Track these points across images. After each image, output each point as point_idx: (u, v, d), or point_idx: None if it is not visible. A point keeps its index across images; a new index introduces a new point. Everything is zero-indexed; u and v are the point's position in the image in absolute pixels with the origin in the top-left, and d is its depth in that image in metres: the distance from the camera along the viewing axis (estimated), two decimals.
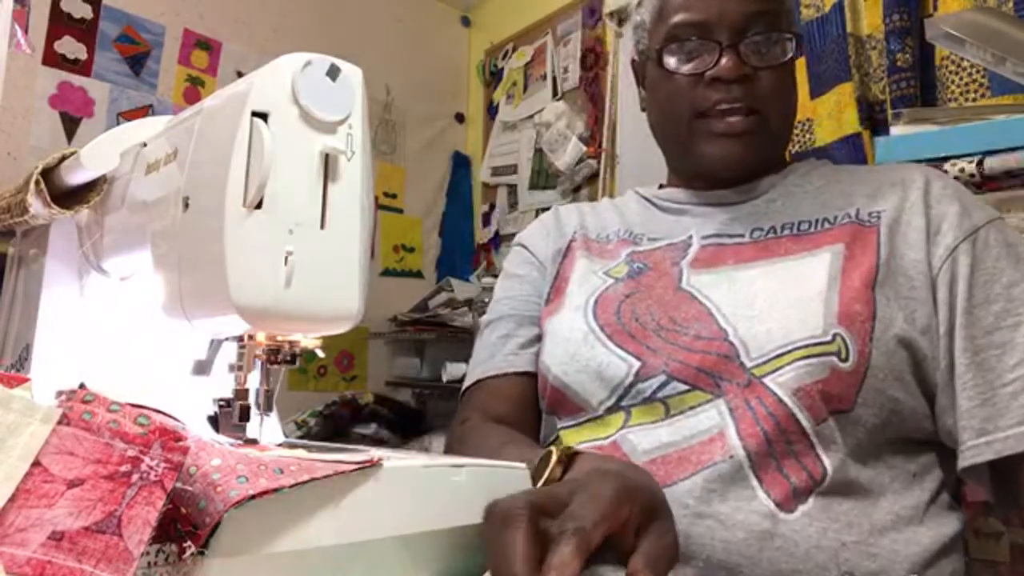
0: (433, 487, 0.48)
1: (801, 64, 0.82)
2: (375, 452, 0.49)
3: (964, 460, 0.66)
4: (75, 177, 0.68)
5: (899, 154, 1.06)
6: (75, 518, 0.36)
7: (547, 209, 1.05)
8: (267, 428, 0.57)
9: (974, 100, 1.33)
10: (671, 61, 0.79)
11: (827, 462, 0.64)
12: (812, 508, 0.62)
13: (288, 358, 0.54)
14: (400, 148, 2.83)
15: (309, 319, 0.52)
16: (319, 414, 2.14)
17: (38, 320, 0.68)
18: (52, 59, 2.08)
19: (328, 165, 0.51)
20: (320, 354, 0.56)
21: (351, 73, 0.52)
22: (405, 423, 2.36)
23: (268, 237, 0.49)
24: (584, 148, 2.36)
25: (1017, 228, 0.87)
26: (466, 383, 0.88)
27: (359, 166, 0.53)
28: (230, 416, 0.54)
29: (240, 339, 0.54)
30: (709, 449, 0.65)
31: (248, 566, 0.39)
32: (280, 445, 0.56)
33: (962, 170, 1.00)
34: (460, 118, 3.03)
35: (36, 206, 0.67)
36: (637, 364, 0.71)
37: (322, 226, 0.51)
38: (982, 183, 0.98)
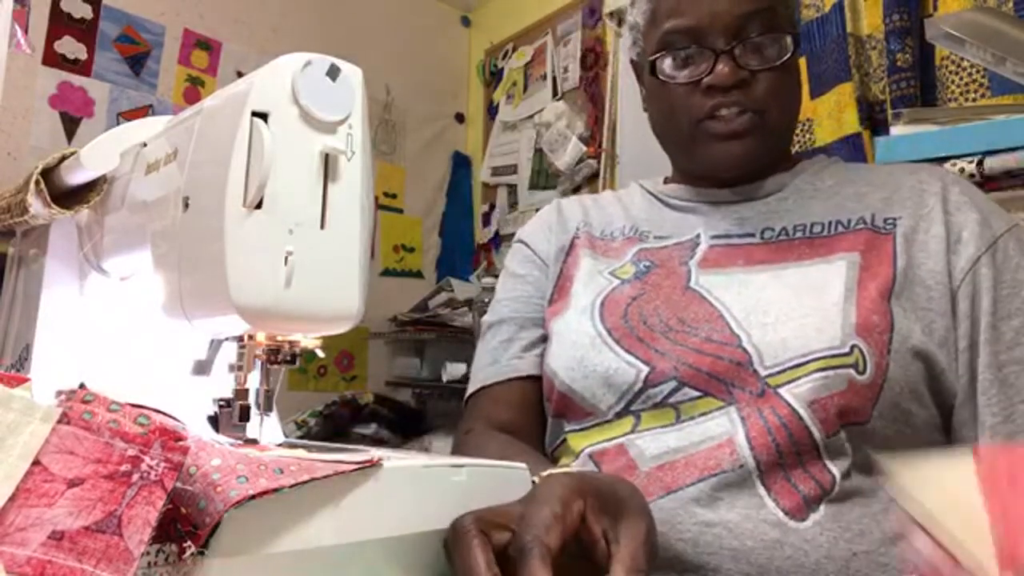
0: (433, 487, 0.48)
1: (801, 64, 0.82)
2: (375, 452, 0.49)
3: None
4: (75, 177, 0.68)
5: (899, 154, 1.06)
6: (75, 518, 0.36)
7: None
8: (267, 428, 0.57)
9: (974, 100, 1.33)
10: (666, 69, 0.78)
11: (834, 470, 0.63)
12: (823, 517, 0.61)
13: (288, 358, 0.54)
14: (400, 148, 2.83)
15: (309, 319, 0.52)
16: (319, 414, 2.14)
17: (38, 320, 0.68)
18: (52, 59, 2.08)
19: (328, 165, 0.51)
20: (320, 354, 0.56)
21: (351, 73, 0.52)
22: (405, 423, 2.36)
23: (268, 237, 0.49)
24: (584, 148, 2.36)
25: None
26: (469, 389, 0.86)
27: (359, 166, 0.53)
28: (230, 416, 0.54)
29: (240, 339, 0.54)
30: (717, 455, 0.64)
31: (248, 566, 0.39)
32: (280, 445, 0.56)
33: (962, 170, 1.00)
34: (460, 118, 3.03)
35: (36, 206, 0.67)
36: (646, 369, 0.70)
37: (322, 226, 0.51)
38: (982, 183, 0.98)
